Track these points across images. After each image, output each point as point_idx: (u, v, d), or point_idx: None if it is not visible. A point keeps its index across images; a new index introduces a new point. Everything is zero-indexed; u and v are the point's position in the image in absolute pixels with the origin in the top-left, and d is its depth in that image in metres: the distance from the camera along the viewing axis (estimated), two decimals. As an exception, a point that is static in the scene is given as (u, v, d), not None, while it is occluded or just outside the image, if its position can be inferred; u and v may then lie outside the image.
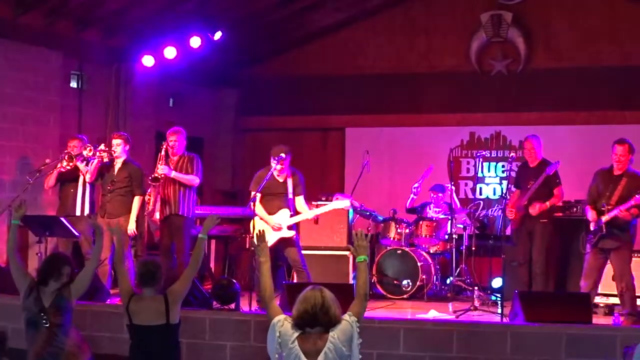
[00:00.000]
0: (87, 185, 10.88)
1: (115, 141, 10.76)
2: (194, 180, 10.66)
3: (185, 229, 10.63)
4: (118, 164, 10.75)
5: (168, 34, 13.03)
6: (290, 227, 10.02)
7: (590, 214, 9.65)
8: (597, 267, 9.68)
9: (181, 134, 10.78)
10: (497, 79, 14.55)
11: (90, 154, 10.65)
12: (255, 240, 5.96)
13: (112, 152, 10.67)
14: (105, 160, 10.73)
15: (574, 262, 10.78)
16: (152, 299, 6.62)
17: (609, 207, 9.49)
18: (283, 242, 9.95)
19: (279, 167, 9.89)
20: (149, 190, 10.76)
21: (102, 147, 10.71)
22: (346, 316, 5.45)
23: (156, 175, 10.51)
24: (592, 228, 9.68)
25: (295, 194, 10.09)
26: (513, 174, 11.24)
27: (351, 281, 11.33)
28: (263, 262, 5.85)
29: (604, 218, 9.48)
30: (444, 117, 14.75)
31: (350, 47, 15.33)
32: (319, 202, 11.30)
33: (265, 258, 5.85)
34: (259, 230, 6.05)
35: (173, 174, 10.53)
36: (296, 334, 5.36)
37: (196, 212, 11.23)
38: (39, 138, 12.28)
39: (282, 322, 5.45)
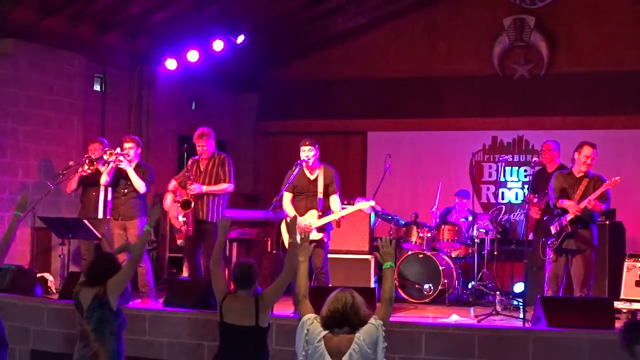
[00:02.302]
0: (109, 189, 10.88)
1: (126, 144, 10.67)
2: (227, 189, 10.55)
3: (215, 234, 10.58)
4: (122, 164, 10.71)
5: (191, 38, 13.08)
6: (319, 230, 9.68)
7: (567, 202, 9.57)
8: (560, 274, 9.67)
9: (208, 136, 10.58)
10: (519, 83, 14.50)
11: (112, 158, 10.59)
12: (298, 239, 6.15)
13: (126, 156, 10.63)
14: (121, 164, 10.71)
15: (595, 267, 10.70)
16: (245, 299, 6.59)
17: None
18: (313, 247, 9.75)
19: (312, 152, 9.68)
20: (182, 216, 10.56)
21: (118, 150, 10.66)
22: (372, 319, 5.52)
23: (187, 198, 10.37)
24: (553, 231, 9.67)
25: (329, 192, 9.77)
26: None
27: (373, 285, 11.32)
28: (302, 262, 6.01)
29: (569, 216, 9.48)
30: (466, 121, 14.71)
31: (372, 51, 15.32)
32: (342, 206, 11.24)
33: (304, 258, 6.01)
34: (304, 233, 6.27)
35: (204, 188, 10.40)
36: (323, 333, 5.45)
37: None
38: (63, 141, 12.36)
39: (312, 321, 5.56)
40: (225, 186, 10.53)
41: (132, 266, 7.04)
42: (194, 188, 10.38)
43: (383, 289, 5.76)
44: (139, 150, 10.76)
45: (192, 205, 10.37)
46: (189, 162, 10.58)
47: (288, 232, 6.62)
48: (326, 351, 5.39)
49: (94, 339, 6.70)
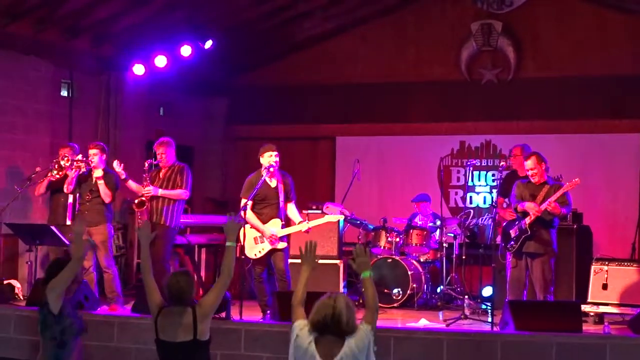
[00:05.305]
0: (77, 194, 10.87)
1: (91, 151, 10.68)
2: (182, 195, 10.67)
3: (165, 239, 10.54)
4: (96, 173, 10.68)
5: (158, 43, 13.01)
6: (281, 238, 9.78)
7: (527, 204, 9.63)
8: (522, 277, 9.74)
9: (168, 145, 10.76)
10: (487, 87, 14.56)
11: (68, 164, 10.63)
12: (303, 250, 5.95)
13: (90, 162, 10.61)
14: (83, 170, 10.68)
15: (563, 270, 10.77)
16: (180, 312, 6.15)
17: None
18: (273, 251, 9.82)
19: (275, 159, 9.67)
20: (139, 217, 10.64)
21: (79, 157, 10.70)
22: (360, 325, 5.48)
23: (142, 199, 10.55)
24: (513, 235, 9.72)
25: (287, 200, 9.88)
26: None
27: (342, 290, 11.31)
28: (304, 270, 5.89)
29: (529, 219, 9.54)
30: (434, 126, 14.75)
31: (340, 56, 15.32)
32: (310, 212, 11.23)
33: (307, 267, 5.88)
34: (311, 242, 5.98)
35: (160, 192, 10.56)
36: (312, 337, 5.43)
37: (185, 221, 11.16)
38: (29, 146, 12.26)
39: (302, 326, 5.52)
40: (180, 192, 10.65)
41: (71, 267, 6.62)
42: (149, 190, 10.52)
43: (367, 297, 5.69)
44: (104, 157, 10.74)
45: (146, 205, 10.54)
46: (146, 165, 10.72)
47: (227, 234, 6.23)
48: (317, 354, 5.36)
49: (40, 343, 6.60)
